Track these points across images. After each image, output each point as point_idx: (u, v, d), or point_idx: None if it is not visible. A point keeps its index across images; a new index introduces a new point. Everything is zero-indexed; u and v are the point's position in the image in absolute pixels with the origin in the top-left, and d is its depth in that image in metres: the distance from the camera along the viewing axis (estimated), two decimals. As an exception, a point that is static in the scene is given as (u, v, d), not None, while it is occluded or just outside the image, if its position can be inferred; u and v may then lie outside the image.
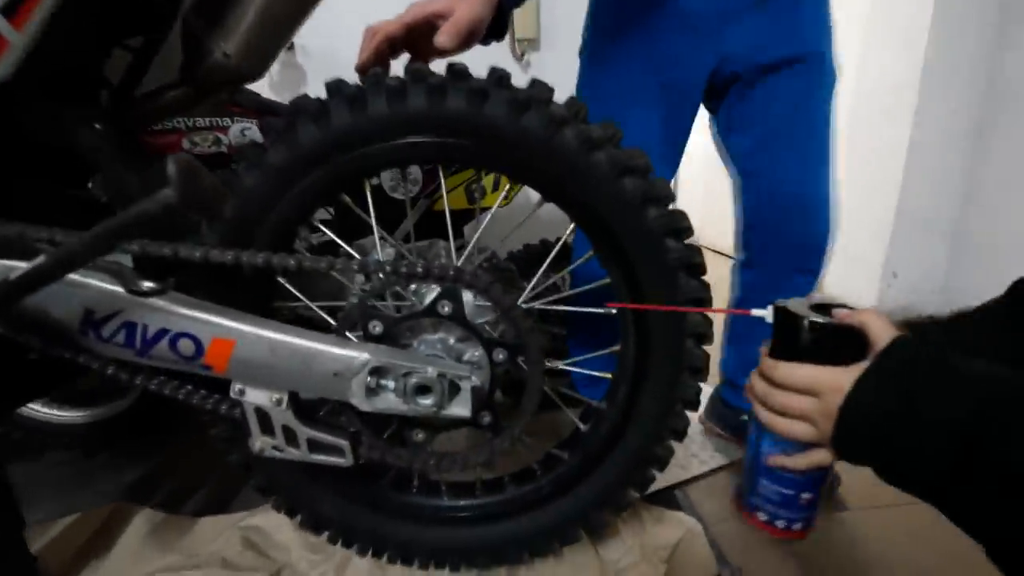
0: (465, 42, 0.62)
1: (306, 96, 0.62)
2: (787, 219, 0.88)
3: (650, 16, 0.80)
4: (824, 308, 0.44)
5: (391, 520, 0.71)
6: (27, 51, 0.48)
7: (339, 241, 0.70)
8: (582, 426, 0.70)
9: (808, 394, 0.42)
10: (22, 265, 0.51)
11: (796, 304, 0.44)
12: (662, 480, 0.96)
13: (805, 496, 0.47)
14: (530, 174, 0.58)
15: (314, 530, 0.73)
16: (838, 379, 0.40)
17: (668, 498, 0.92)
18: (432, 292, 0.60)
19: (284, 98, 1.51)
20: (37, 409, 1.07)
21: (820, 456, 0.44)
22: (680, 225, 0.58)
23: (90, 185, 0.80)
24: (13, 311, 0.52)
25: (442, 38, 0.61)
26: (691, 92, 0.85)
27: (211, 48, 0.64)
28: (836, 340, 0.42)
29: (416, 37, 0.65)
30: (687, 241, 0.59)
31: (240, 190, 0.61)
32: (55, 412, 1.08)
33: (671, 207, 0.58)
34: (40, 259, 0.45)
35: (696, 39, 0.80)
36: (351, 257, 0.56)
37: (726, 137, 0.91)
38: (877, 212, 1.69)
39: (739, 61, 0.81)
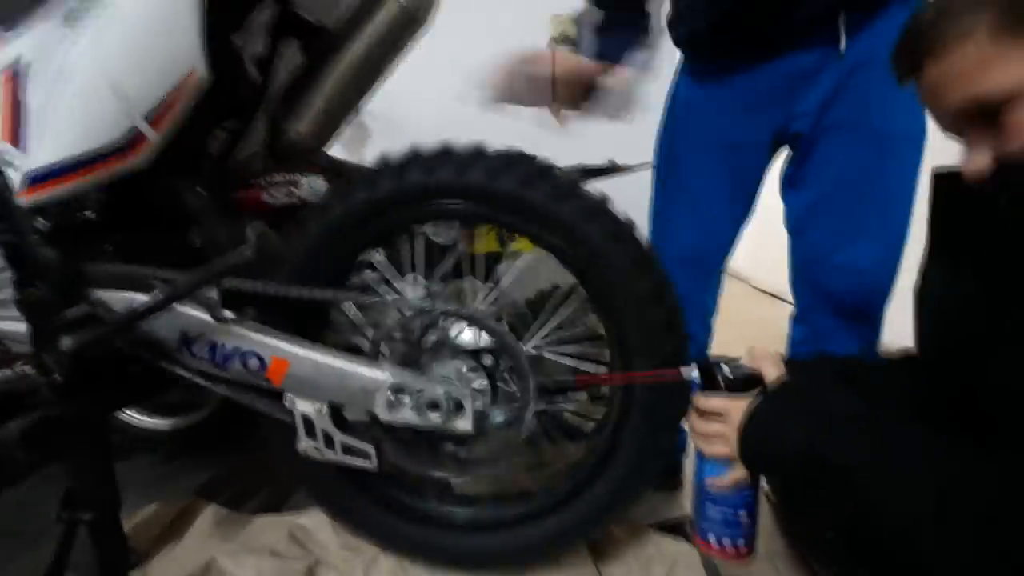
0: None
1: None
2: (831, 283, 0.88)
3: (723, 82, 0.87)
4: (739, 366, 0.57)
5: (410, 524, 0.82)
6: (160, 143, 0.66)
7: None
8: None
9: (721, 418, 0.52)
10: (140, 296, 0.69)
11: (715, 360, 0.57)
12: (674, 512, 1.01)
13: (742, 514, 0.55)
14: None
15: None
16: (740, 405, 0.50)
17: (679, 530, 0.96)
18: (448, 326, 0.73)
19: (352, 155, 1.74)
20: (132, 416, 1.28)
21: (739, 470, 0.53)
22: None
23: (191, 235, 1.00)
24: (133, 331, 0.69)
25: None
26: (754, 152, 0.89)
27: (286, 128, 0.82)
28: (740, 381, 0.54)
29: None
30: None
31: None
32: (145, 419, 1.29)
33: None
34: (155, 294, 0.62)
35: (763, 103, 0.84)
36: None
37: (784, 194, 0.94)
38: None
39: (805, 120, 0.83)
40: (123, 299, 0.70)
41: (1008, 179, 0.38)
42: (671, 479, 1.10)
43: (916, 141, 0.83)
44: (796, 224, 0.92)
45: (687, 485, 1.10)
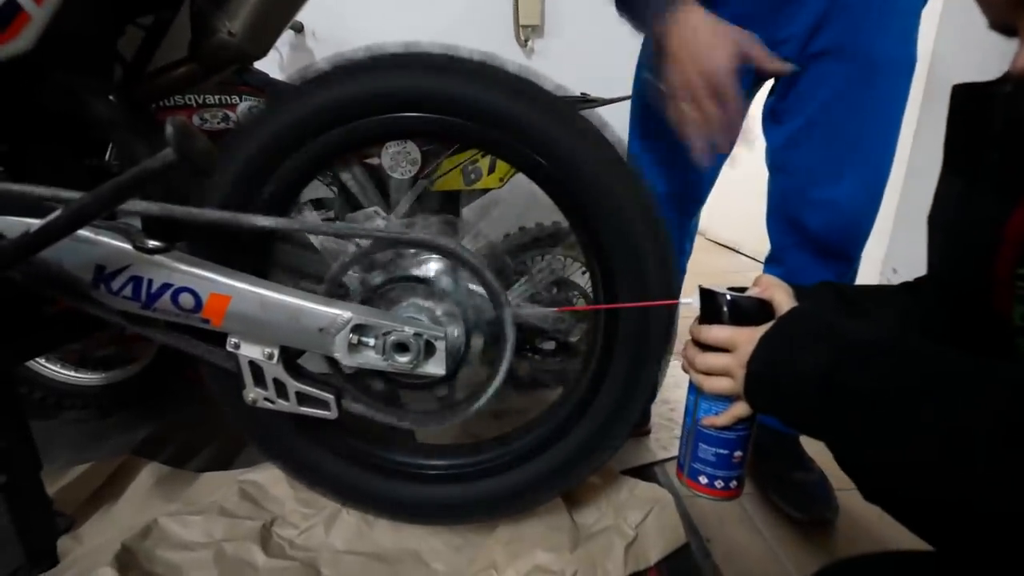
0: None
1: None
2: (809, 219, 0.85)
3: (704, 5, 0.76)
4: (742, 291, 0.52)
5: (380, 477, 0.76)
6: (46, 25, 0.52)
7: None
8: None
9: (727, 350, 0.47)
10: (38, 222, 0.56)
11: (718, 288, 0.51)
12: (644, 458, 1.00)
13: (737, 455, 0.52)
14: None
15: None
16: (750, 335, 0.45)
17: (649, 475, 0.96)
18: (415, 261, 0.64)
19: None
20: (56, 370, 1.13)
21: (740, 408, 0.49)
22: None
23: (108, 157, 0.85)
24: (33, 263, 0.57)
25: None
26: (737, 81, 0.80)
27: (217, 27, 0.69)
28: (749, 311, 0.49)
29: None
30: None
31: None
32: (73, 374, 1.15)
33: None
34: (54, 215, 0.50)
35: (745, 27, 0.75)
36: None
37: (765, 128, 0.89)
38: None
39: (790, 45, 0.77)
40: (16, 224, 0.57)
41: None
42: (640, 425, 1.09)
43: (905, 70, 0.79)
44: (776, 159, 0.88)
45: (656, 430, 1.10)
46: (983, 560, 0.38)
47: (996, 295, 0.41)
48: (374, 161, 1.10)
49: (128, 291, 0.58)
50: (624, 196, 0.60)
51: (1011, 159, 0.41)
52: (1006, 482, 0.31)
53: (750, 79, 0.85)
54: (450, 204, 1.14)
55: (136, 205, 0.57)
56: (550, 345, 1.22)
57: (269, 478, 0.87)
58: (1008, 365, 0.34)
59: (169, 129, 0.40)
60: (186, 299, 0.57)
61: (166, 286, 0.57)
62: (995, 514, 0.32)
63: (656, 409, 1.14)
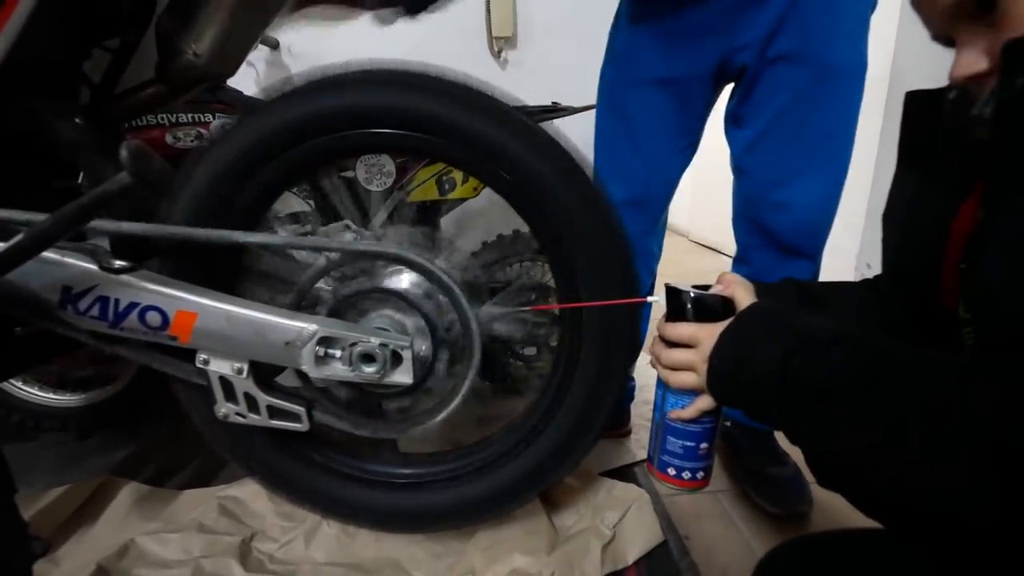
0: None
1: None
2: (771, 220, 0.88)
3: (663, 16, 0.82)
4: (706, 288, 0.53)
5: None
6: (7, 52, 0.53)
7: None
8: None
9: (691, 346, 0.49)
10: (1, 245, 0.57)
11: (683, 285, 0.52)
12: (624, 459, 1.01)
13: (703, 446, 0.53)
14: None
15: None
16: (711, 331, 0.47)
17: (628, 475, 0.97)
18: (384, 272, 0.65)
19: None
20: (34, 392, 1.13)
21: (705, 402, 0.50)
22: None
23: (80, 179, 0.86)
24: (-2, 286, 0.57)
25: None
26: (698, 86, 0.86)
27: (182, 48, 0.69)
28: (711, 308, 0.50)
29: None
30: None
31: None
32: (51, 395, 1.14)
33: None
34: (16, 238, 0.50)
35: (704, 36, 0.81)
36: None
37: (728, 131, 0.92)
38: (851, 204, 1.72)
39: (748, 52, 0.81)
40: (-20, 249, 0.58)
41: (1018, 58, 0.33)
42: (619, 426, 1.10)
43: (856, 72, 0.82)
44: (738, 162, 0.91)
45: (636, 431, 1.11)
46: (933, 539, 0.39)
47: (944, 289, 0.43)
48: (349, 174, 1.11)
49: (95, 311, 0.58)
50: (584, 206, 0.61)
51: (958, 160, 0.43)
52: (938, 477, 0.32)
53: (711, 84, 0.87)
54: (427, 215, 1.15)
55: (104, 225, 0.58)
56: (532, 350, 1.23)
57: (249, 493, 0.87)
58: (949, 359, 0.36)
59: (123, 152, 0.41)
60: (153, 317, 0.57)
61: (133, 305, 0.57)
62: (931, 510, 0.33)
63: (636, 410, 1.15)
